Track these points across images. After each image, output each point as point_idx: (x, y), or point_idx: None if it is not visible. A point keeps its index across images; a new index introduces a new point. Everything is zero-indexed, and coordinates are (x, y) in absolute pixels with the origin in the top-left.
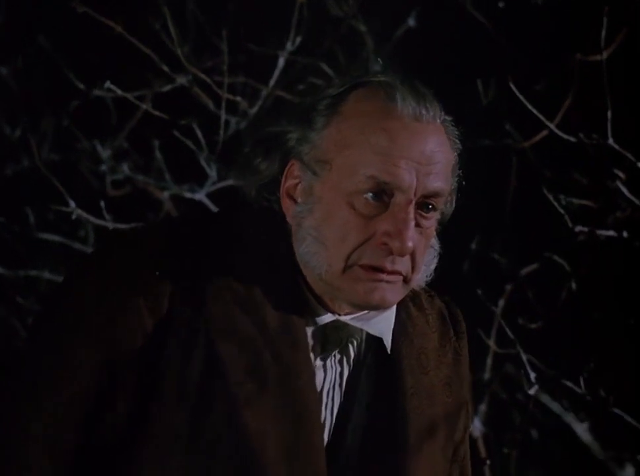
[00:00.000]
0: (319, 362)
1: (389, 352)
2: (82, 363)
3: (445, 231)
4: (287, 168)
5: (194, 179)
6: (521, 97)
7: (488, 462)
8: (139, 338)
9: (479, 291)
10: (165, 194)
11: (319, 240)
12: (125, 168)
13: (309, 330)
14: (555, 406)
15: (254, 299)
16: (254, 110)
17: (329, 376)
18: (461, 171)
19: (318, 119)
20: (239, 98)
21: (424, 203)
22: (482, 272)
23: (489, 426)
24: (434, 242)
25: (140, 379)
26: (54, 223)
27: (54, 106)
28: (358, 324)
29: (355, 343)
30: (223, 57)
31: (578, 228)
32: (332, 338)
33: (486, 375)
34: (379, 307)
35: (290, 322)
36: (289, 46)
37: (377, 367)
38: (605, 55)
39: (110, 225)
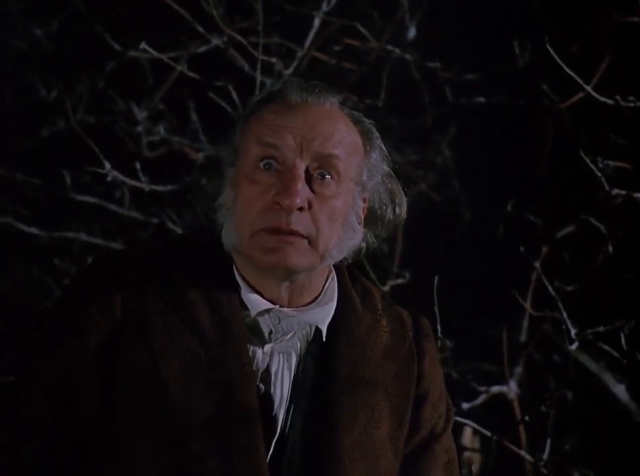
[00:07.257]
0: (266, 349)
1: (324, 339)
2: (51, 362)
3: (481, 193)
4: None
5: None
6: (557, 59)
7: (526, 418)
8: (96, 337)
9: (515, 254)
10: (200, 155)
11: (234, 219)
12: (160, 129)
13: (246, 321)
14: (593, 367)
15: (189, 301)
16: (290, 71)
17: (275, 361)
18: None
19: (237, 129)
20: (274, 59)
21: (319, 171)
22: (519, 234)
23: (524, 388)
24: (355, 224)
25: (101, 374)
26: (90, 184)
27: (90, 68)
28: (295, 314)
29: (303, 334)
30: (258, 18)
31: (615, 191)
32: (279, 328)
33: (522, 338)
34: (287, 267)
35: (222, 316)
36: (324, 6)
37: (318, 355)
38: None
39: (146, 186)
